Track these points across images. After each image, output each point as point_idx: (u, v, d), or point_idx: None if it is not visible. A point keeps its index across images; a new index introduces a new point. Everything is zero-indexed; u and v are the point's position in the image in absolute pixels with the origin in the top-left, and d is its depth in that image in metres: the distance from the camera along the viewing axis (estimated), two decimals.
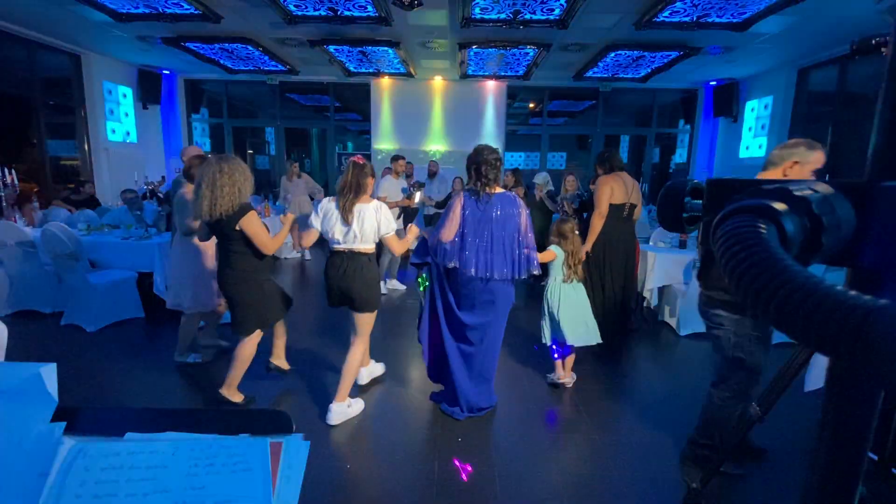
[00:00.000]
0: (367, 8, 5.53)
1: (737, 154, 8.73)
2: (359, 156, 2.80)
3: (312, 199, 7.28)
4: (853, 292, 0.30)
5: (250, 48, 7.18)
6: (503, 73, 8.71)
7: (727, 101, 8.70)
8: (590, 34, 6.30)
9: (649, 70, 7.97)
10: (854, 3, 4.81)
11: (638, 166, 10.62)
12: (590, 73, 8.21)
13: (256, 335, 2.79)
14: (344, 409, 2.74)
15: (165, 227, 5.10)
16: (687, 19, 5.48)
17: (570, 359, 3.26)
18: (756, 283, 0.33)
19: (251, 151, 12.25)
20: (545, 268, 3.09)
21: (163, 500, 0.48)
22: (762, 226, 0.37)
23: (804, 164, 2.03)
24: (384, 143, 9.61)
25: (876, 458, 0.93)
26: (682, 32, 5.88)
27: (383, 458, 2.47)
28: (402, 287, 5.75)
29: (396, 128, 9.58)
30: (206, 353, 3.52)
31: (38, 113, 7.15)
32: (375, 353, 3.38)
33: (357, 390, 3.04)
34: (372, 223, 2.60)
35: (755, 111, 8.33)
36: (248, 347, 2.77)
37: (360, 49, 7.15)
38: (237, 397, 2.85)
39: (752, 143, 8.39)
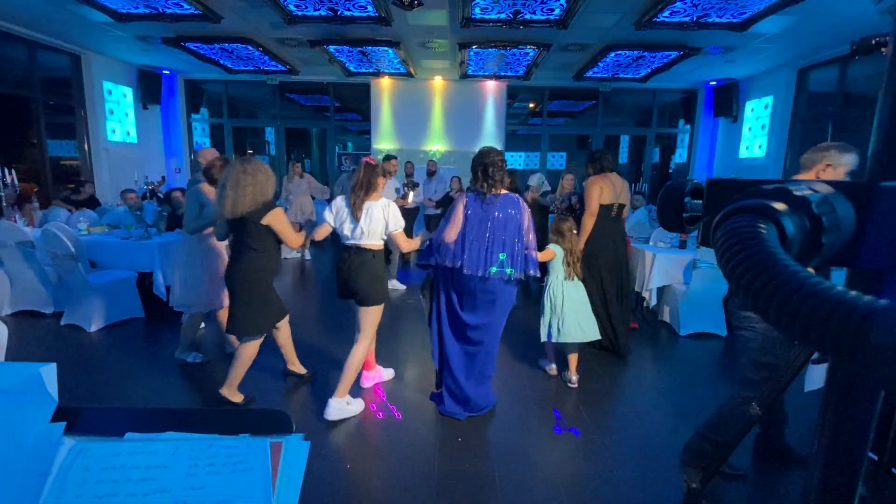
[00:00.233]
0: (367, 8, 5.53)
1: (737, 154, 8.73)
2: (370, 156, 2.92)
3: (314, 199, 7.26)
4: (853, 292, 0.30)
5: (250, 48, 7.17)
6: (503, 73, 8.70)
7: (727, 101, 8.70)
8: (590, 34, 6.30)
9: (649, 70, 7.97)
10: (854, 3, 4.81)
11: (638, 166, 10.61)
12: (590, 73, 8.20)
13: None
14: (342, 406, 2.75)
15: (165, 227, 5.10)
16: (687, 19, 5.48)
17: (575, 358, 3.27)
18: (756, 283, 0.33)
19: (251, 151, 12.22)
20: (545, 267, 3.12)
21: (163, 500, 0.48)
22: (762, 226, 0.37)
23: (836, 166, 2.02)
24: (384, 142, 9.60)
25: (876, 458, 0.93)
26: (682, 32, 5.87)
27: (383, 458, 2.47)
28: (402, 287, 5.74)
29: (396, 128, 9.57)
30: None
31: (38, 113, 7.15)
32: (377, 354, 3.37)
33: (359, 391, 3.04)
34: (380, 220, 2.68)
35: (755, 111, 8.33)
36: (249, 348, 2.78)
37: (360, 49, 7.15)
38: (237, 397, 2.86)
39: (752, 143, 8.39)
